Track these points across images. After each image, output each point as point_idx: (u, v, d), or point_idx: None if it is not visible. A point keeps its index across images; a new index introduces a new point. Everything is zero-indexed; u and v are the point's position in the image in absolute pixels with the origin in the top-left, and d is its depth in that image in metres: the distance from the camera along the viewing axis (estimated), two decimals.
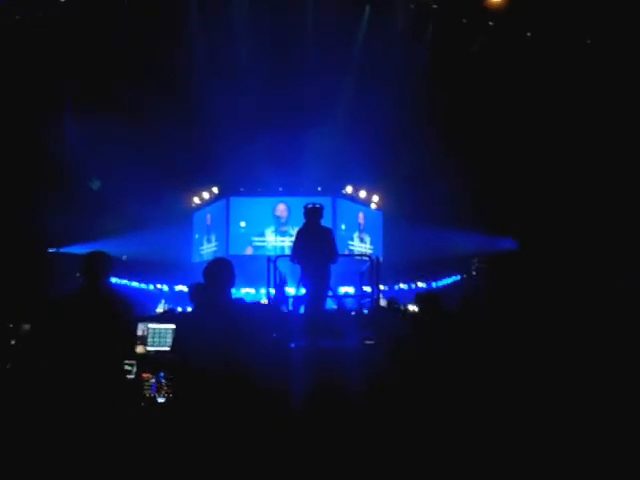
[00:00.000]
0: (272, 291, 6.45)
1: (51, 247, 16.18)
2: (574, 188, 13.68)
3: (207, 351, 3.24)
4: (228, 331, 3.29)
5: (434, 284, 18.65)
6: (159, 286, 18.54)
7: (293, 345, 5.27)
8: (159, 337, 5.33)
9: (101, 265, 3.85)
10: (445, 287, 18.32)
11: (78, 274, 3.89)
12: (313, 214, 6.39)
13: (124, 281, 17.45)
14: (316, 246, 6.13)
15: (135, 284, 18.00)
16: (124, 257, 17.99)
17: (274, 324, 5.05)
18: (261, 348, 3.66)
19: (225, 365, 3.20)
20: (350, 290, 15.78)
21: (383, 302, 8.66)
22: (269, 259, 6.45)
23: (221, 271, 3.48)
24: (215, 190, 19.19)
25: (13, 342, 5.15)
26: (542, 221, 14.53)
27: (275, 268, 6.56)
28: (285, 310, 6.48)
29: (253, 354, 3.37)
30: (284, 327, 5.58)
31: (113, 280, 16.30)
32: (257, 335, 3.58)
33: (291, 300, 6.31)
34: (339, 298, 7.58)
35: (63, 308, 3.68)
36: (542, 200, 14.34)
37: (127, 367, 4.83)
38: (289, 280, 7.94)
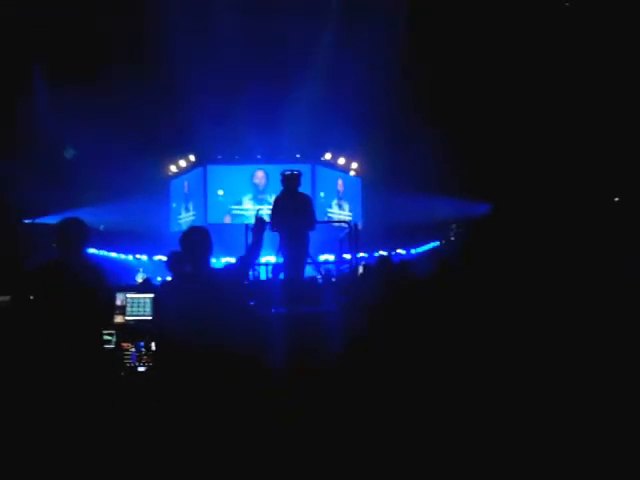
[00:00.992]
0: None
1: (26, 218, 15.92)
2: (556, 154, 13.75)
3: (187, 320, 3.25)
4: (208, 299, 3.30)
5: (413, 250, 18.81)
6: (138, 256, 18.43)
7: (272, 312, 5.31)
8: (138, 306, 5.31)
9: (76, 233, 3.81)
10: (424, 253, 18.48)
11: (53, 243, 3.83)
12: (291, 181, 6.37)
13: (102, 251, 17.30)
14: (294, 213, 6.13)
15: (114, 254, 17.87)
16: (101, 227, 17.79)
17: (249, 290, 5.03)
18: (240, 315, 3.67)
19: (205, 333, 3.21)
20: (330, 258, 15.90)
21: (362, 269, 8.71)
22: (247, 227, 6.43)
23: (198, 240, 3.48)
24: (192, 158, 18.94)
25: None
26: (520, 186, 14.63)
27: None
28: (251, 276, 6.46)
29: (233, 322, 3.39)
30: (263, 294, 5.61)
31: (91, 250, 16.21)
32: (236, 302, 3.59)
33: (270, 267, 6.32)
34: (318, 265, 7.62)
35: (39, 279, 3.65)
36: (520, 165, 14.41)
37: (107, 337, 4.83)
38: (268, 248, 7.92)
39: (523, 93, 13.84)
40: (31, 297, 3.63)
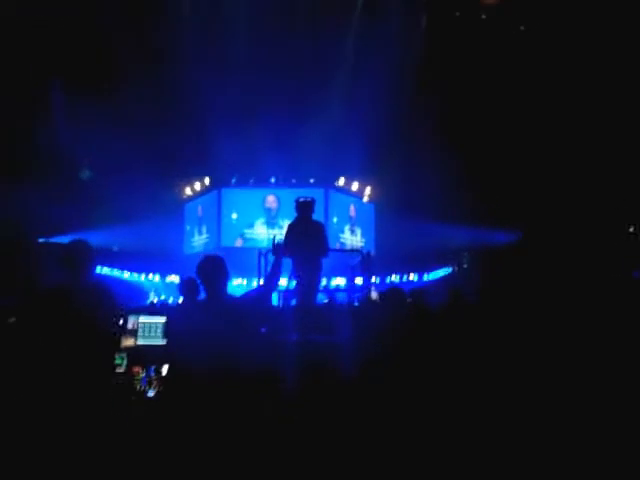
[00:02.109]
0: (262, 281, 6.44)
1: (41, 237, 16.08)
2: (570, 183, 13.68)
3: (200, 346, 3.24)
4: (222, 326, 3.29)
5: (426, 277, 18.70)
6: (150, 277, 18.49)
7: (284, 339, 5.27)
8: (149, 331, 5.31)
9: (81, 256, 3.80)
10: (436, 280, 18.37)
11: (60, 267, 3.81)
12: (305, 208, 6.37)
13: (115, 271, 17.40)
14: (308, 240, 6.12)
15: (126, 275, 17.96)
16: (115, 247, 17.94)
17: (264, 317, 5.01)
18: (254, 343, 3.65)
19: (218, 360, 3.20)
20: (342, 281, 15.85)
21: (375, 295, 8.66)
22: (260, 252, 6.44)
23: (214, 269, 3.48)
24: (207, 181, 19.10)
25: None
26: (537, 214, 14.56)
27: (266, 261, 6.55)
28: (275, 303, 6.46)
29: (246, 349, 3.37)
30: (275, 321, 5.58)
31: (104, 270, 16.31)
32: (250, 331, 3.58)
33: (282, 294, 6.31)
34: (330, 292, 7.59)
35: (45, 305, 3.64)
36: (537, 193, 14.35)
37: (117, 361, 4.82)
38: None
39: (544, 120, 13.80)
40: (37, 322, 3.62)
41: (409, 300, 5.49)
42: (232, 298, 3.76)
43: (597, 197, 13.41)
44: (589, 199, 13.41)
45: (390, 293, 5.13)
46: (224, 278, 3.48)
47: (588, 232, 12.94)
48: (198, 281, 3.57)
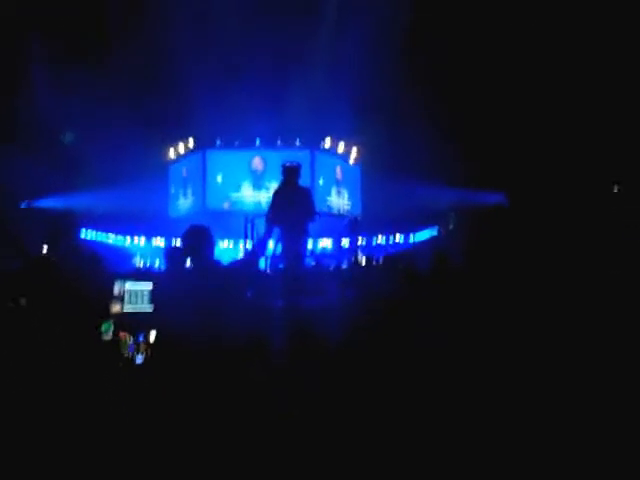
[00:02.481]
0: (249, 246, 6.43)
1: (24, 202, 15.86)
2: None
3: (187, 312, 3.24)
4: (209, 294, 3.30)
5: (412, 238, 18.78)
6: (136, 240, 18.38)
7: (271, 304, 5.28)
8: (135, 297, 5.28)
9: (64, 226, 3.78)
10: (422, 242, 18.46)
11: (45, 238, 3.80)
12: (291, 173, 6.31)
13: (100, 235, 17.28)
14: (294, 205, 6.08)
15: (111, 238, 17.84)
16: (99, 211, 17.76)
17: (250, 282, 5.01)
18: (240, 309, 3.66)
19: (206, 326, 3.21)
20: (328, 243, 15.89)
21: (363, 259, 8.70)
22: (246, 219, 6.40)
23: (200, 241, 3.47)
24: (191, 143, 18.82)
25: None
26: (522, 175, 14.56)
27: (252, 228, 6.52)
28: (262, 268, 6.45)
29: (233, 315, 3.38)
30: (261, 285, 5.57)
31: (89, 235, 16.19)
32: (237, 297, 3.59)
33: (269, 260, 6.29)
34: (318, 257, 7.60)
35: (31, 275, 3.62)
36: (522, 154, 14.33)
37: (104, 327, 4.81)
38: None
39: (538, 72, 13.63)
40: (23, 294, 3.61)
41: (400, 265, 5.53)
42: (218, 265, 3.76)
43: (582, 157, 13.40)
44: (574, 160, 13.41)
45: (389, 261, 5.15)
46: (210, 248, 3.48)
47: (573, 193, 12.99)
48: (183, 250, 3.55)
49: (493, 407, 3.78)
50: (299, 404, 3.91)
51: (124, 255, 16.80)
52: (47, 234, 3.41)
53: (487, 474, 3.11)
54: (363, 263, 7.04)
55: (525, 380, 3.94)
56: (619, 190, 13.91)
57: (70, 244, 3.52)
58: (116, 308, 5.22)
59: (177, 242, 6.20)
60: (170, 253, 5.14)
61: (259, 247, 3.60)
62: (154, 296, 5.06)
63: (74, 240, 3.83)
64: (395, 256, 6.12)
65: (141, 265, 15.28)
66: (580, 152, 13.28)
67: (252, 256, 3.97)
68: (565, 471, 2.91)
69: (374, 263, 8.08)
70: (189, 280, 3.49)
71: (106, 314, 4.91)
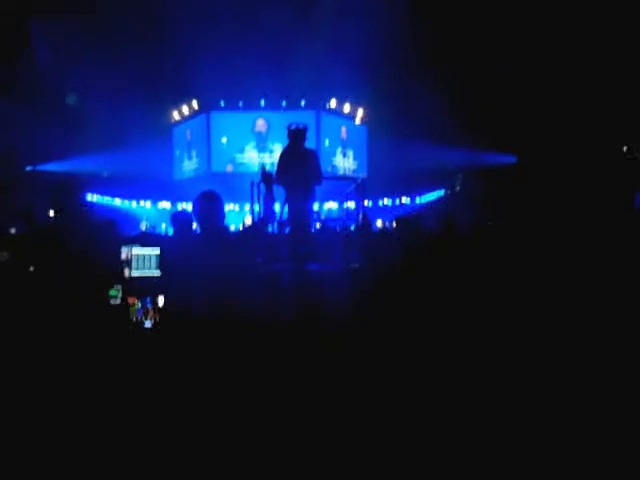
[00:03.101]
0: (256, 209, 6.39)
1: (29, 165, 15.80)
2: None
3: (196, 278, 3.23)
4: (218, 259, 3.28)
5: (418, 200, 18.69)
6: (142, 203, 18.38)
7: (278, 268, 5.27)
8: (143, 262, 5.27)
9: (73, 193, 3.76)
10: (428, 204, 18.37)
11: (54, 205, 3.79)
12: (297, 135, 6.22)
13: (106, 198, 17.26)
14: (300, 168, 6.01)
15: (117, 201, 17.83)
16: (105, 174, 17.71)
17: (259, 247, 5.00)
18: (250, 274, 3.65)
19: (214, 291, 3.20)
20: (334, 205, 15.84)
21: (368, 220, 8.67)
22: (252, 183, 6.33)
23: (212, 208, 3.43)
24: (195, 104, 18.61)
25: None
26: (531, 136, 14.35)
27: (259, 191, 6.46)
28: (270, 231, 6.42)
29: (242, 280, 3.37)
30: (269, 250, 5.56)
31: (95, 198, 16.18)
32: (246, 262, 3.57)
33: (276, 224, 6.25)
34: (324, 221, 7.56)
35: (40, 241, 3.62)
36: (531, 115, 14.08)
37: (112, 292, 4.83)
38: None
39: (535, 41, 13.34)
40: (32, 257, 3.61)
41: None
42: (227, 230, 3.74)
43: (591, 117, 13.17)
44: (583, 120, 13.18)
45: (403, 222, 5.11)
46: (220, 214, 3.44)
47: (583, 154, 12.81)
48: (192, 216, 3.52)
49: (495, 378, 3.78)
50: (306, 371, 3.93)
51: (130, 218, 16.82)
52: (53, 198, 3.40)
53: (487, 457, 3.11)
54: (370, 226, 7.00)
55: (529, 350, 3.94)
56: (629, 151, 13.72)
57: (77, 209, 3.50)
58: (124, 273, 5.23)
59: (183, 206, 6.17)
60: (177, 217, 5.13)
61: (267, 213, 3.56)
62: (161, 261, 5.06)
63: (81, 205, 3.80)
64: (402, 218, 6.04)
65: (147, 228, 15.28)
66: (591, 112, 13.03)
67: (260, 222, 3.94)
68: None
69: (380, 226, 8.05)
70: (198, 245, 3.47)
71: (115, 279, 4.92)
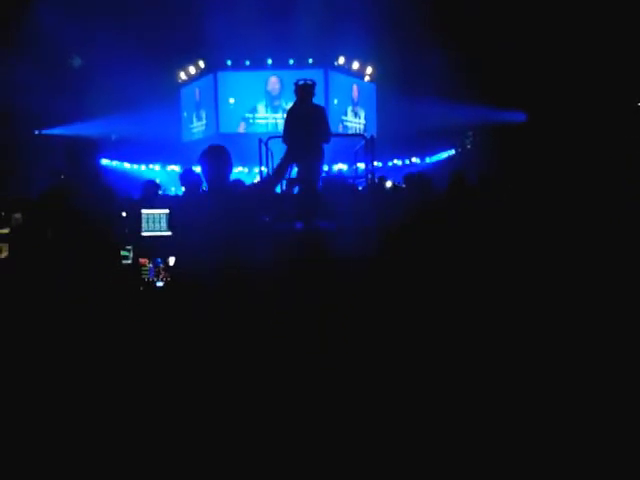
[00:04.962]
0: (264, 170, 6.34)
1: (36, 129, 15.76)
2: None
3: (206, 237, 3.22)
4: (227, 218, 3.25)
5: (428, 159, 18.51)
6: (151, 166, 18.36)
7: (288, 227, 5.26)
8: (153, 222, 5.29)
9: (84, 156, 3.74)
10: (439, 162, 18.21)
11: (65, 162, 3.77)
12: (304, 91, 6.10)
13: (115, 162, 17.24)
14: (308, 125, 5.92)
15: (126, 165, 17.81)
16: (113, 136, 17.65)
17: (267, 206, 4.97)
18: (258, 233, 3.62)
19: (224, 250, 3.19)
20: (344, 167, 15.72)
21: (389, 183, 8.63)
22: (260, 140, 6.26)
23: (219, 161, 3.37)
24: (201, 64, 18.35)
25: (6, 231, 5.12)
26: (542, 92, 14.05)
27: (267, 149, 6.40)
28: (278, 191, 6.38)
29: (251, 239, 3.36)
30: (278, 209, 5.54)
31: (103, 161, 16.14)
32: (254, 221, 3.54)
33: (284, 182, 6.21)
34: (333, 177, 7.51)
35: (50, 203, 3.62)
36: (541, 71, 13.75)
37: (124, 253, 4.87)
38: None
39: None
40: (45, 220, 3.62)
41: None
42: (235, 188, 3.70)
43: (602, 71, 12.83)
44: (594, 74, 12.85)
45: (413, 180, 5.05)
46: (227, 169, 3.40)
47: (595, 110, 12.53)
48: (200, 171, 3.48)
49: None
50: (316, 334, 3.93)
51: (139, 180, 16.81)
52: (66, 160, 3.38)
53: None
54: (380, 185, 6.95)
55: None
56: None
57: (90, 172, 3.47)
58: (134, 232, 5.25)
59: (192, 167, 6.14)
60: (186, 176, 5.11)
61: (275, 173, 3.50)
62: (171, 221, 5.07)
63: (94, 168, 3.77)
64: (411, 176, 5.98)
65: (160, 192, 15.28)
66: (603, 69, 12.69)
67: (269, 180, 3.89)
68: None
69: (390, 186, 7.99)
70: (206, 204, 3.44)
71: (126, 240, 4.96)
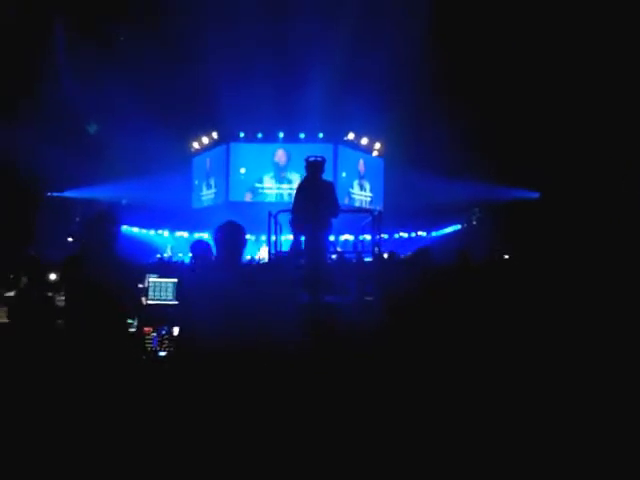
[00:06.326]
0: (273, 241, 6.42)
1: (50, 191, 16.07)
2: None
3: (216, 309, 3.21)
4: (240, 292, 3.26)
5: (434, 233, 18.66)
6: (160, 231, 18.57)
7: (295, 301, 5.26)
8: (160, 291, 5.31)
9: (108, 230, 3.81)
10: (444, 237, 18.34)
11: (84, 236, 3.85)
12: (315, 167, 6.26)
13: (124, 226, 17.42)
14: (317, 200, 6.04)
15: (135, 229, 18.02)
16: (124, 201, 17.94)
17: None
18: (274, 310, 3.61)
19: (235, 324, 3.17)
20: (350, 237, 15.85)
21: (383, 253, 8.65)
22: (270, 213, 6.38)
23: (235, 238, 3.42)
24: (214, 135, 18.95)
25: (12, 294, 5.14)
26: (549, 173, 14.29)
27: (276, 222, 6.50)
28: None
29: (266, 315, 3.34)
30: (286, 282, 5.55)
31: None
32: (268, 297, 3.54)
33: (292, 255, 6.27)
34: (340, 252, 7.57)
35: (68, 270, 3.67)
36: (550, 152, 14.01)
37: (129, 321, 4.85)
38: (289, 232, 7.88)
39: (563, 70, 13.27)
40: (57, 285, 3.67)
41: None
42: (248, 264, 3.75)
43: (611, 154, 13.06)
44: (604, 158, 13.09)
45: (418, 254, 5.10)
46: (242, 246, 3.44)
47: (603, 196, 12.67)
48: (214, 244, 3.51)
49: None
50: (324, 405, 3.89)
51: (148, 247, 16.97)
52: (84, 228, 3.45)
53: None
54: (385, 257, 6.99)
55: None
56: None
57: (106, 241, 3.51)
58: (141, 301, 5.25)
59: (203, 235, 6.23)
60: (197, 246, 5.13)
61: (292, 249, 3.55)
62: (179, 290, 5.07)
63: (111, 237, 3.82)
64: (417, 252, 6.04)
65: (166, 256, 15.39)
66: (612, 149, 12.92)
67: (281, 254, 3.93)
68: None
69: (396, 258, 8.02)
70: (218, 276, 3.45)
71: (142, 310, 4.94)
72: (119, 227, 3.88)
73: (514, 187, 16.21)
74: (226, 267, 3.43)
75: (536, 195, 16.05)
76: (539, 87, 13.61)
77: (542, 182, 15.18)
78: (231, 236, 3.39)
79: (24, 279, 5.21)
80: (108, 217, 3.86)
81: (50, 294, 3.87)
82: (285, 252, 6.59)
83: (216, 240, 3.41)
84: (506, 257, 8.14)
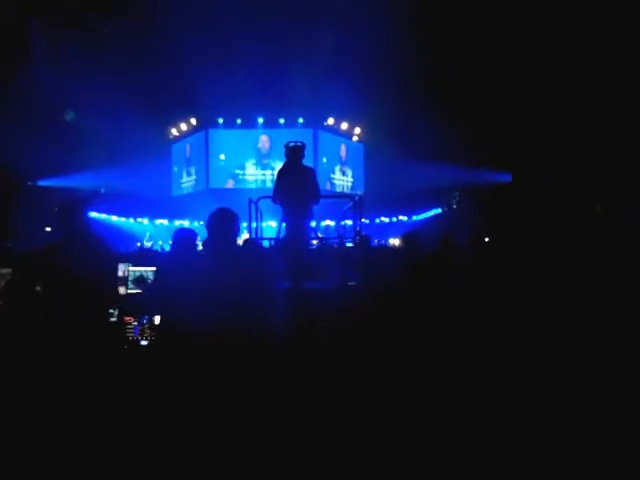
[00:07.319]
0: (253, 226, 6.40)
1: (28, 180, 15.82)
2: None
3: (195, 298, 3.19)
4: (231, 280, 3.24)
5: (415, 217, 18.75)
6: (139, 219, 18.40)
7: (276, 287, 5.24)
8: (140, 279, 5.26)
9: (78, 214, 3.76)
10: (425, 221, 18.44)
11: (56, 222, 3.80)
12: (294, 153, 6.21)
13: (103, 215, 17.26)
14: (298, 186, 6.01)
15: (114, 218, 17.84)
16: (102, 189, 17.73)
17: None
18: (260, 294, 3.60)
19: (221, 312, 3.16)
20: (332, 223, 15.87)
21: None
22: (250, 200, 6.34)
23: (227, 227, 3.40)
24: (193, 121, 18.74)
25: None
26: (527, 155, 14.40)
27: (257, 209, 6.47)
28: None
29: (252, 301, 3.34)
30: (266, 268, 5.53)
31: (91, 214, 16.14)
32: (257, 281, 3.53)
33: (272, 241, 6.26)
34: (321, 238, 7.56)
35: (44, 260, 3.62)
36: (527, 133, 14.12)
37: (109, 310, 4.80)
38: (270, 218, 7.87)
39: (539, 55, 13.35)
40: (35, 275, 3.62)
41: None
42: (240, 250, 3.70)
43: (586, 136, 13.18)
44: (581, 138, 13.21)
45: (407, 239, 5.10)
46: (235, 234, 3.42)
47: (579, 171, 12.83)
48: (208, 233, 3.47)
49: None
50: (306, 391, 3.90)
51: (127, 236, 16.82)
52: (58, 218, 3.37)
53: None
54: (366, 243, 7.00)
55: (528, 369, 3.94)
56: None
57: (80, 228, 3.46)
58: (120, 290, 5.21)
59: (184, 223, 6.18)
60: (181, 234, 5.08)
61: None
62: (159, 279, 5.03)
63: (84, 224, 3.76)
64: (405, 235, 6.04)
65: (146, 246, 15.27)
66: (587, 131, 13.05)
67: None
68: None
69: (377, 243, 8.05)
70: (202, 264, 3.43)
71: (120, 298, 4.91)
72: (85, 212, 3.83)
73: (490, 170, 16.33)
74: (212, 253, 3.41)
75: (509, 177, 16.21)
76: (514, 70, 13.67)
77: (514, 164, 15.31)
78: (222, 223, 3.38)
79: (3, 271, 5.13)
80: (72, 205, 3.81)
81: (29, 284, 3.80)
82: (268, 238, 6.57)
83: (208, 226, 3.39)
84: (486, 240, 8.18)
